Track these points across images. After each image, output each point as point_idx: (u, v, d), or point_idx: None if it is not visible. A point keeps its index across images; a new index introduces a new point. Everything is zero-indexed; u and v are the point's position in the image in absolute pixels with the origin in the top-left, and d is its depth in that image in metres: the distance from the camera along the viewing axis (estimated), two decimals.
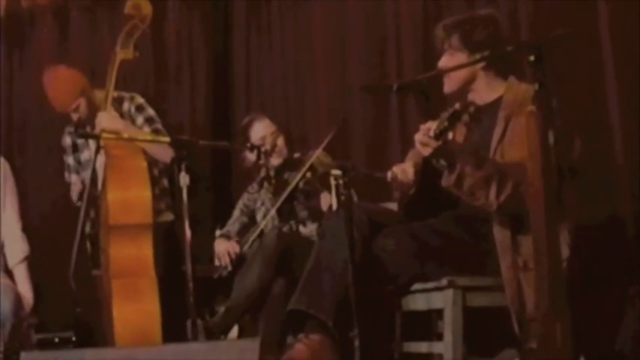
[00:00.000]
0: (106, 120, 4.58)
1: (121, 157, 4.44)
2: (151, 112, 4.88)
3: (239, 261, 4.44)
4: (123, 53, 4.64)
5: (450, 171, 3.12)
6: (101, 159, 4.45)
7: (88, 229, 4.74)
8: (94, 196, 4.53)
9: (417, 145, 3.12)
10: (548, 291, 2.43)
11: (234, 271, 4.42)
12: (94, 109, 4.72)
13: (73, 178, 4.99)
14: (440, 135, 3.04)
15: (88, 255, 4.75)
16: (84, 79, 4.86)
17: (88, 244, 4.79)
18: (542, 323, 2.51)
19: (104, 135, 4.42)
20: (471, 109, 3.08)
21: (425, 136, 3.07)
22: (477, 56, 3.32)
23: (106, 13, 5.49)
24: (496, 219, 3.16)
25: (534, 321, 2.80)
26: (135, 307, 4.19)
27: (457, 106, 3.13)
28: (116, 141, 4.43)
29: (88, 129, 4.80)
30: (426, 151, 3.10)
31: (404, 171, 3.45)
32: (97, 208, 4.58)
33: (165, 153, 4.58)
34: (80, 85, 4.82)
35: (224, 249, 4.51)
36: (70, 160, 5.04)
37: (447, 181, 3.14)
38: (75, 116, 4.80)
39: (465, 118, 3.16)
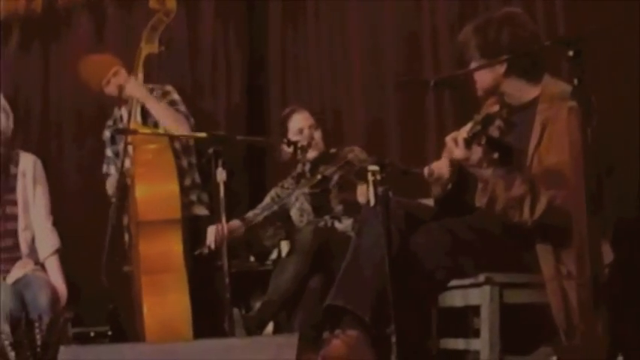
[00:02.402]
0: (133, 86, 4.64)
1: (149, 151, 4.48)
2: (175, 96, 4.90)
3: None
4: (148, 48, 4.68)
5: (482, 193, 3.14)
6: (131, 151, 4.50)
7: (125, 220, 4.77)
8: (126, 188, 4.58)
9: (448, 145, 3.15)
10: (591, 293, 2.42)
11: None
12: None
13: (112, 170, 5.03)
14: (473, 138, 3.06)
15: (125, 249, 4.79)
16: (119, 61, 4.94)
17: (127, 236, 4.81)
18: (583, 323, 2.50)
19: (140, 130, 4.48)
20: (504, 113, 3.09)
21: (452, 141, 3.12)
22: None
23: (141, 9, 5.52)
24: (536, 232, 3.16)
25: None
26: (164, 303, 4.23)
27: (491, 110, 3.13)
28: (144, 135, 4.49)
29: (123, 110, 4.86)
30: (455, 154, 3.13)
31: (440, 167, 3.45)
32: (128, 200, 4.63)
33: (181, 127, 4.63)
34: (116, 63, 4.92)
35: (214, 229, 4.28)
36: (108, 152, 5.08)
37: (479, 202, 3.17)
38: (112, 89, 4.86)
39: (499, 122, 3.17)
